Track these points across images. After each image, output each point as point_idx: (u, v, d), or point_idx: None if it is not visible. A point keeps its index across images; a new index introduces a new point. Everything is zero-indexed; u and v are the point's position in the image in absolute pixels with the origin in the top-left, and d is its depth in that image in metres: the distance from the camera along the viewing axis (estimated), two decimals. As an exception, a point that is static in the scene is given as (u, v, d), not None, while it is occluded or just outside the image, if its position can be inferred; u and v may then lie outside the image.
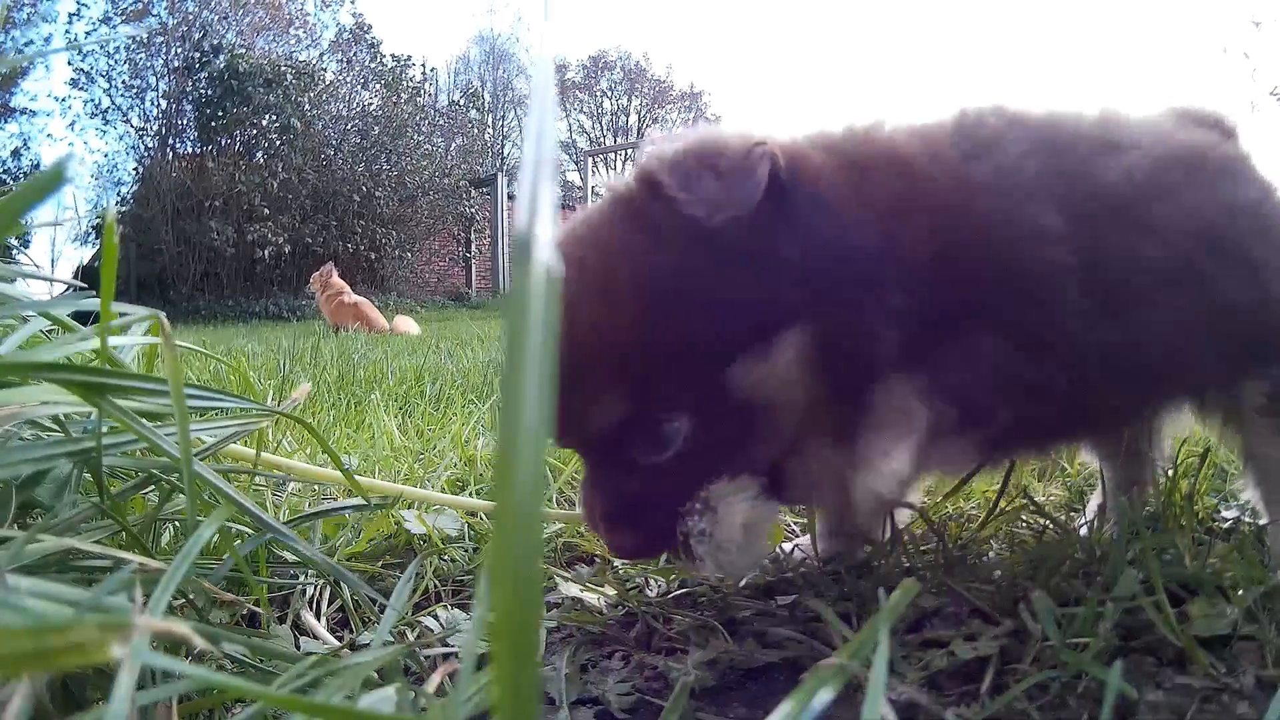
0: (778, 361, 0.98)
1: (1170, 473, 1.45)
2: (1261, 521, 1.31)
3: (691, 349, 0.97)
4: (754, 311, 0.98)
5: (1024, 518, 1.46)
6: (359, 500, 1.31)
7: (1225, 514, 1.47)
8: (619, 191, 1.03)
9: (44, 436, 0.92)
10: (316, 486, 1.65)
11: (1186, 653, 0.95)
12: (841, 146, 1.09)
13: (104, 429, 0.86)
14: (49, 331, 0.99)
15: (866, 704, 0.59)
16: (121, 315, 0.90)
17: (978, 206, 1.04)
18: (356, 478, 1.29)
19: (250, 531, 1.09)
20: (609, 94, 42.68)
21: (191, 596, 0.92)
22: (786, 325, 0.98)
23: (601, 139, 41.15)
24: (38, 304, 0.89)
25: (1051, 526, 1.32)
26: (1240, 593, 1.04)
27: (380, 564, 1.34)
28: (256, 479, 1.38)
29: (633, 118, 42.63)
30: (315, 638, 1.09)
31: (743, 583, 1.23)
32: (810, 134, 1.12)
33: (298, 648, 1.04)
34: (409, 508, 1.41)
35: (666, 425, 1.00)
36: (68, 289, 1.07)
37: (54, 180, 0.55)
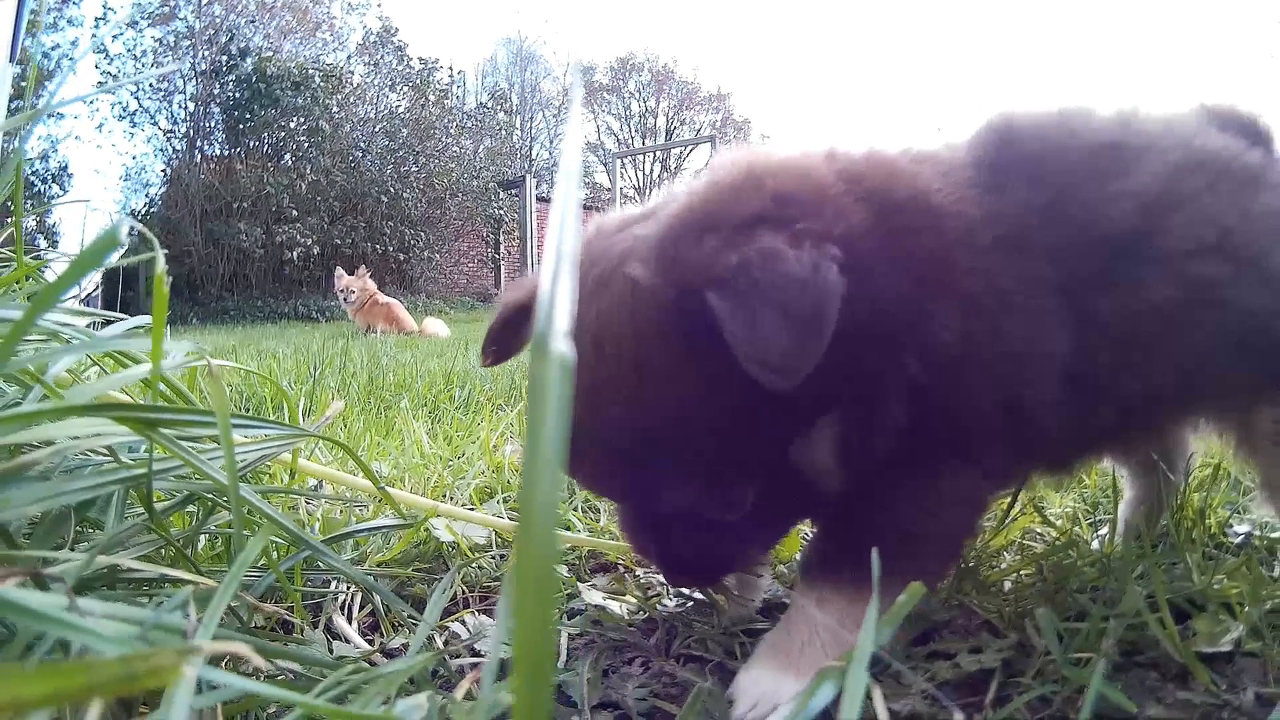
0: (819, 445, 0.98)
1: (1182, 487, 1.46)
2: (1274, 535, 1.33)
3: (757, 434, 0.94)
4: (807, 397, 0.91)
5: (1036, 528, 1.49)
6: (395, 520, 1.36)
7: (1237, 529, 1.48)
8: (654, 289, 0.92)
9: (93, 458, 0.98)
10: (348, 493, 1.70)
11: (1189, 668, 0.97)
12: (867, 182, 1.02)
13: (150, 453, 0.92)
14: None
15: (844, 704, 0.61)
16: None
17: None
18: (389, 490, 1.34)
19: (286, 540, 1.13)
20: (637, 95, 42.77)
21: (235, 605, 0.96)
22: (825, 410, 0.96)
23: (629, 140, 41.26)
24: (93, 343, 0.94)
25: (1061, 539, 1.35)
26: (1245, 609, 1.06)
27: (411, 569, 1.38)
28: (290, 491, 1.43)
29: (660, 119, 42.71)
30: (348, 641, 1.14)
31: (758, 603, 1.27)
32: (835, 159, 1.06)
33: (331, 651, 1.09)
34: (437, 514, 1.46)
35: (737, 492, 0.99)
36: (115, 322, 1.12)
37: (108, 246, 0.60)
